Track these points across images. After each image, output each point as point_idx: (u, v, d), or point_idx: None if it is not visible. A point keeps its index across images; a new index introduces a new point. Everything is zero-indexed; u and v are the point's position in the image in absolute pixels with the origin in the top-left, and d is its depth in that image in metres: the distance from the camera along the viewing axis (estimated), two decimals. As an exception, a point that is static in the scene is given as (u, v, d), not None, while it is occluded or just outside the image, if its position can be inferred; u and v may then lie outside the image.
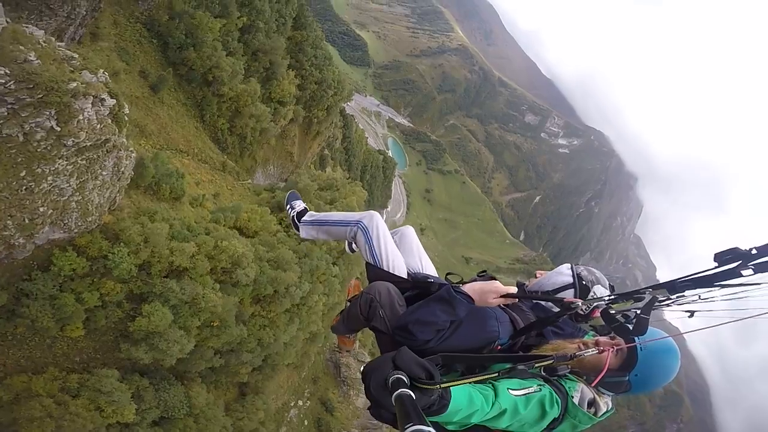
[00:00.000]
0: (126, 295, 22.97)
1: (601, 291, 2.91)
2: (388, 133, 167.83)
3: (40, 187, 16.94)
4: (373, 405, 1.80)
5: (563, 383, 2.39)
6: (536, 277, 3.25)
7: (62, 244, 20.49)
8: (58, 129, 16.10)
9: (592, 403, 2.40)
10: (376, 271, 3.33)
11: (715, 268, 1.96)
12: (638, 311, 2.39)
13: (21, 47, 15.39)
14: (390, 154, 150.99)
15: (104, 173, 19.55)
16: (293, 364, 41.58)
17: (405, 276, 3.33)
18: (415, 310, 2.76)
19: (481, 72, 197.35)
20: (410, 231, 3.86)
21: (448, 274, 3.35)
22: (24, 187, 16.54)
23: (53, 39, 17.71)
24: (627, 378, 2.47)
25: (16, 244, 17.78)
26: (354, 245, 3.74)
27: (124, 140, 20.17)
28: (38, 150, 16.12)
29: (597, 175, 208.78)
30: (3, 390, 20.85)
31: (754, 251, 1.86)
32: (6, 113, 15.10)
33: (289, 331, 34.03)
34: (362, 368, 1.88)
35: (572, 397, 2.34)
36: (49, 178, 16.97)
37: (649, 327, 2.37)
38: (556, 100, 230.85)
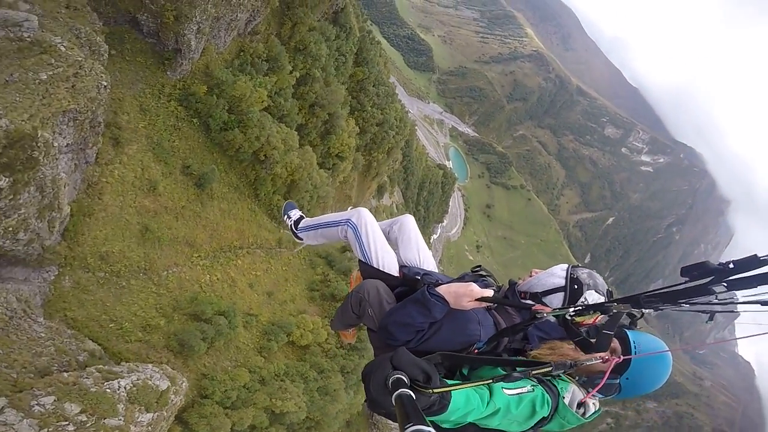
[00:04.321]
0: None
1: (593, 297, 2.63)
2: (450, 142, 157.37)
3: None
4: (374, 405, 1.76)
5: (555, 383, 2.33)
6: (530, 276, 2.94)
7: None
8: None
9: (581, 404, 2.34)
10: (367, 268, 3.26)
11: (685, 283, 1.83)
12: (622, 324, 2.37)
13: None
14: (450, 165, 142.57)
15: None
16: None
17: (396, 273, 3.23)
18: (394, 311, 2.70)
19: (557, 80, 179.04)
20: (409, 220, 3.65)
21: (424, 274, 3.17)
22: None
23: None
24: (618, 381, 2.39)
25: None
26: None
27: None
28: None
29: (683, 197, 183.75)
30: None
31: (731, 266, 1.70)
32: None
33: (334, 426, 35.80)
34: (362, 369, 1.84)
35: (563, 397, 2.28)
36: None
37: (643, 333, 2.36)
38: (642, 113, 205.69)
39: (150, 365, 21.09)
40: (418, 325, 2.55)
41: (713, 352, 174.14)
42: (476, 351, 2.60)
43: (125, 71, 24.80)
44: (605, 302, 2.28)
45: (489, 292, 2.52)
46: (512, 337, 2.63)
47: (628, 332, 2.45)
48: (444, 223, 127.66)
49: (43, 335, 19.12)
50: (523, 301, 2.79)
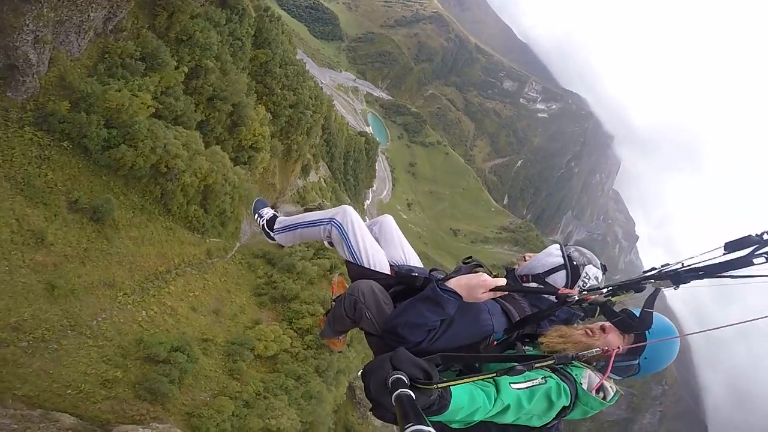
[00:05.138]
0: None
1: (592, 271, 2.58)
2: (367, 108, 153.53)
3: None
4: (374, 405, 1.70)
5: (569, 371, 2.17)
6: (525, 260, 2.87)
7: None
8: None
9: (600, 388, 2.19)
10: (356, 269, 2.93)
11: (724, 255, 1.74)
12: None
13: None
14: (371, 130, 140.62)
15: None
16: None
17: (387, 271, 2.93)
18: (402, 313, 2.41)
19: (457, 39, 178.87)
20: (389, 220, 3.35)
21: (431, 270, 2.92)
22: None
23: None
24: (637, 361, 2.27)
25: None
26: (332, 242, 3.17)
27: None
28: None
29: (576, 137, 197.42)
30: None
31: (766, 236, 1.63)
32: None
33: (328, 422, 34.58)
34: (362, 369, 1.78)
35: (581, 384, 2.13)
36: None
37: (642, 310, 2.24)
38: (532, 65, 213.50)
39: (140, 428, 19.70)
40: (430, 324, 2.30)
41: (618, 270, 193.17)
42: (495, 342, 2.44)
43: (-58, 102, 18.64)
44: (639, 278, 2.07)
45: (502, 281, 2.33)
46: (535, 324, 2.46)
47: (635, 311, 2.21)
48: (374, 188, 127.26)
49: (15, 426, 16.46)
50: (528, 285, 2.69)
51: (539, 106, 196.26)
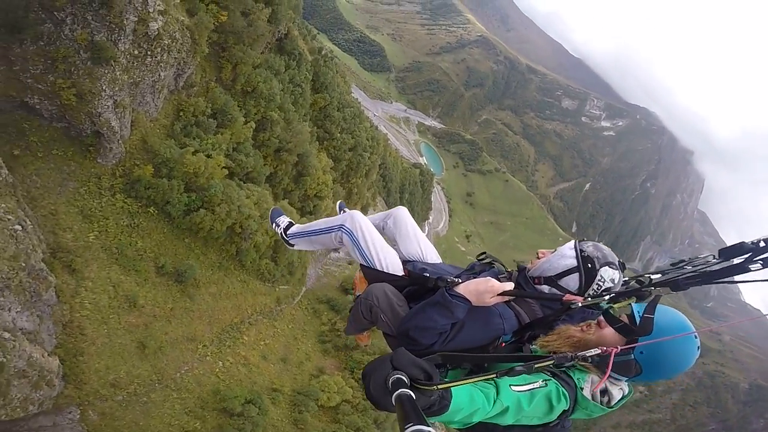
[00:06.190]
0: None
1: (608, 273, 2.43)
2: (420, 138, 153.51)
3: None
4: (374, 406, 1.71)
5: (571, 375, 2.17)
6: (538, 258, 2.70)
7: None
8: None
9: (604, 392, 2.17)
10: (371, 272, 3.05)
11: (720, 262, 1.84)
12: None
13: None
14: (425, 161, 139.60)
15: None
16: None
17: (400, 272, 3.03)
18: (413, 317, 2.52)
19: (506, 61, 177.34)
20: (403, 213, 3.47)
21: (437, 278, 2.74)
22: None
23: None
24: (632, 356, 2.11)
25: None
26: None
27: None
28: None
29: (649, 155, 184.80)
30: None
31: (762, 244, 1.71)
32: None
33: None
34: (363, 369, 1.78)
35: (581, 389, 2.14)
36: None
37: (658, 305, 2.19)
38: (591, 81, 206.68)
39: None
40: (440, 327, 2.37)
41: (721, 304, 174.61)
42: (503, 344, 2.48)
43: (44, 172, 19.64)
44: (642, 287, 2.12)
45: (510, 286, 2.41)
46: (545, 327, 2.44)
47: (633, 306, 2.16)
48: (430, 220, 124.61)
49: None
50: (540, 288, 2.59)
51: (604, 123, 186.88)
